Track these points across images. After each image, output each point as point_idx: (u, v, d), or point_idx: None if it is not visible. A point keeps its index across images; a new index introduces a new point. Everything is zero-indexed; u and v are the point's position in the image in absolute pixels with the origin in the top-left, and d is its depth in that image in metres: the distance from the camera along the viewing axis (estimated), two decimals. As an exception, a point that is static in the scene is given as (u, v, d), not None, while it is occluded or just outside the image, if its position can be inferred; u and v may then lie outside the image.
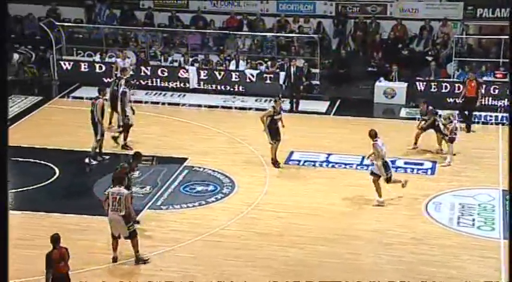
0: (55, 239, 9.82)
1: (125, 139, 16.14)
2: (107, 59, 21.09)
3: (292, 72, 18.76)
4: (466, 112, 17.50)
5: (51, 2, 23.09)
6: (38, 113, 18.57)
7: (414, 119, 18.36)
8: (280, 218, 13.12)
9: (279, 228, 12.74)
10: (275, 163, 15.16)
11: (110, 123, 16.97)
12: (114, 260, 11.44)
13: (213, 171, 14.99)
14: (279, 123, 15.19)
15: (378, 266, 11.69)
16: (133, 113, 16.18)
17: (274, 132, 15.05)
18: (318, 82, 20.39)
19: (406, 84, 19.64)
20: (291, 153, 15.97)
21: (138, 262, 11.39)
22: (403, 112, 19.10)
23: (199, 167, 15.21)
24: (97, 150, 15.39)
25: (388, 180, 13.55)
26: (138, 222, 12.33)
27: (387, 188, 13.81)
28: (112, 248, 11.42)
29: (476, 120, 18.06)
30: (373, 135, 13.54)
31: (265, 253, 11.89)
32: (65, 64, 20.88)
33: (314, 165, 15.42)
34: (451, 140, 15.31)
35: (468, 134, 17.21)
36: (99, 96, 15.41)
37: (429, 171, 15.27)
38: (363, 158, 15.76)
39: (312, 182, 14.71)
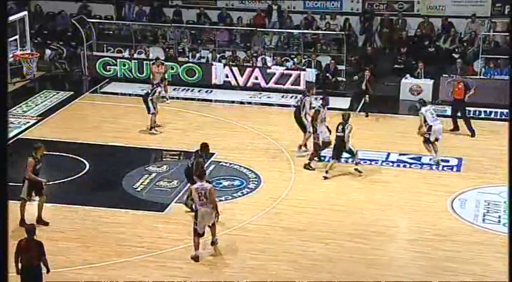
0: (28, 230, 9.95)
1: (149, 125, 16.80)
2: (135, 55, 21.41)
3: (367, 79, 18.67)
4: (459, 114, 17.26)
5: (82, -1, 23.53)
6: (69, 107, 18.93)
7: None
8: (305, 213, 13.28)
9: (304, 223, 12.89)
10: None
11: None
12: (196, 258, 11.43)
13: (239, 166, 15.19)
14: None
15: (402, 262, 11.80)
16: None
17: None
18: (343, 79, 20.49)
19: (432, 81, 19.64)
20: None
21: (214, 244, 11.64)
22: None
23: (226, 162, 15.43)
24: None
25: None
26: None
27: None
28: (194, 246, 11.43)
29: (502, 117, 18.03)
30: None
31: (290, 248, 12.05)
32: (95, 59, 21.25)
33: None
34: (426, 141, 15.02)
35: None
36: None
37: (455, 168, 15.30)
38: (388, 154, 15.87)
39: (337, 177, 14.82)
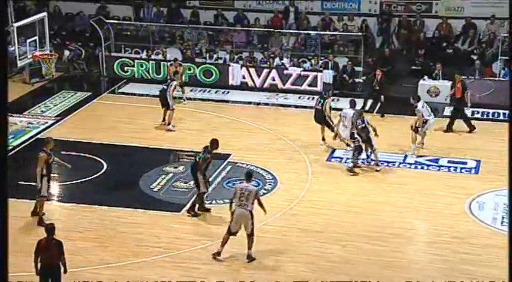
0: (48, 229, 9.98)
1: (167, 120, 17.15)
2: (153, 56, 21.50)
3: (377, 79, 18.64)
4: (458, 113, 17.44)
5: (101, 0, 23.64)
6: (87, 108, 19.05)
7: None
8: (322, 214, 13.25)
9: (320, 224, 12.87)
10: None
11: (164, 120, 17.37)
12: (218, 254, 11.48)
13: (256, 167, 15.20)
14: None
15: (420, 265, 11.74)
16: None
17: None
18: (361, 80, 20.43)
19: (450, 82, 19.49)
20: (333, 150, 16.08)
21: (249, 258, 11.47)
22: (447, 111, 18.98)
23: (242, 163, 15.44)
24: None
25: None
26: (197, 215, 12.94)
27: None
28: (222, 242, 11.43)
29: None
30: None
31: (307, 249, 12.04)
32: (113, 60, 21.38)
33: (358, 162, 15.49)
34: (416, 131, 15.77)
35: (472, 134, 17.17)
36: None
37: (473, 171, 15.20)
38: (406, 156, 15.80)
39: (354, 179, 14.79)
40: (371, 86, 18.79)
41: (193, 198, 13.22)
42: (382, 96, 18.39)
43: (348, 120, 15.00)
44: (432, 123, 15.90)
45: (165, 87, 17.35)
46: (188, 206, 13.25)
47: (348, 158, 15.37)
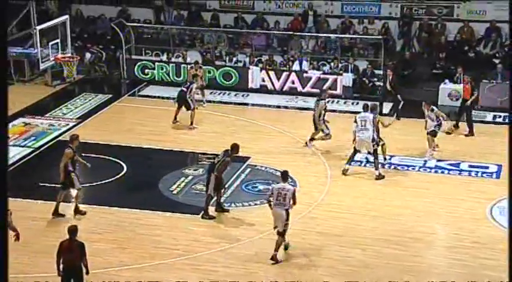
0: (70, 231, 10.05)
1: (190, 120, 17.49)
2: (173, 59, 21.60)
3: (389, 80, 18.61)
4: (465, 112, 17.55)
5: (122, 3, 23.80)
6: (108, 110, 19.17)
7: (480, 122, 18.12)
8: (342, 218, 13.20)
9: (340, 228, 12.82)
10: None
11: (175, 118, 17.61)
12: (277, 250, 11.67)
13: (275, 170, 15.18)
14: None
15: (440, 269, 11.64)
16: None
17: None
18: (381, 83, 20.31)
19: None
20: (354, 154, 15.98)
21: (273, 260, 11.53)
22: (468, 115, 18.84)
23: (262, 166, 15.43)
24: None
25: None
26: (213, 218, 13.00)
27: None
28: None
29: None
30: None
31: (327, 253, 12.00)
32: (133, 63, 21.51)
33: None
34: (432, 133, 15.65)
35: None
36: None
37: (494, 175, 15.05)
38: (426, 160, 15.68)
39: (374, 183, 14.71)
40: (383, 87, 18.74)
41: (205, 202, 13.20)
42: (399, 96, 18.33)
43: (369, 123, 14.92)
44: (444, 125, 16.01)
45: (184, 89, 17.48)
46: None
47: (367, 163, 15.28)
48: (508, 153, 4.96)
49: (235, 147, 13.17)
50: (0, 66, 4.38)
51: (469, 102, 17.43)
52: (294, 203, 11.55)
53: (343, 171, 14.92)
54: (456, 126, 17.54)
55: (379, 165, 14.90)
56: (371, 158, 15.10)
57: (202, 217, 13.04)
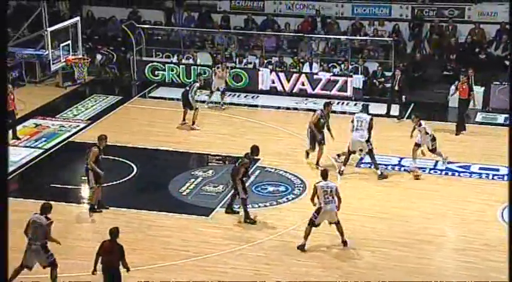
0: (111, 232, 10.15)
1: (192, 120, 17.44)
2: (183, 61, 21.65)
3: (398, 79, 18.61)
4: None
5: (133, 5, 23.90)
6: (118, 111, 19.26)
7: (490, 124, 18.07)
8: (351, 220, 13.17)
9: (349, 230, 12.78)
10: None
11: (184, 120, 17.67)
12: (302, 248, 11.95)
13: (285, 172, 15.20)
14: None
15: (449, 272, 11.62)
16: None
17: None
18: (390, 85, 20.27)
19: (482, 88, 19.29)
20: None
21: (344, 244, 12.04)
22: (479, 117, 18.79)
23: (271, 168, 15.45)
24: None
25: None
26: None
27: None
28: (305, 234, 11.93)
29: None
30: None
31: (335, 255, 12.00)
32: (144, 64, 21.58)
33: (386, 169, 15.41)
34: (433, 151, 15.12)
35: (457, 136, 17.25)
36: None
37: (505, 177, 14.98)
38: (436, 162, 15.65)
39: (384, 185, 14.70)
40: (391, 88, 18.73)
41: (242, 208, 13.15)
42: (404, 97, 18.33)
43: (365, 124, 14.87)
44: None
45: (188, 88, 17.54)
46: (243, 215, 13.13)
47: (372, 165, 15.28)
48: (508, 155, 4.98)
49: (255, 149, 13.19)
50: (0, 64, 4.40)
51: (471, 104, 17.43)
52: (340, 199, 11.89)
53: (339, 171, 14.95)
54: (459, 129, 17.41)
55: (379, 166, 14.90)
56: (364, 159, 15.19)
57: (245, 221, 12.95)
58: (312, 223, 11.93)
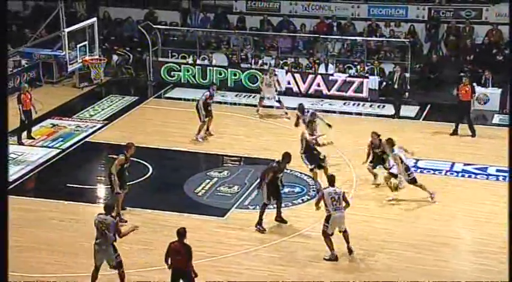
0: (179, 233, 10.14)
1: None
2: (198, 61, 21.70)
3: (396, 78, 18.61)
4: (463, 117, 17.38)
5: (149, 6, 23.99)
6: (134, 112, 19.34)
7: (507, 125, 17.90)
8: (366, 221, 13.15)
9: (365, 232, 12.76)
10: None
11: (207, 129, 17.17)
12: (336, 258, 11.70)
13: (300, 173, 15.17)
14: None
15: (466, 274, 11.54)
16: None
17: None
18: (407, 87, 20.18)
19: (500, 90, 19.15)
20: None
21: (350, 252, 11.84)
22: (496, 119, 18.66)
23: (287, 169, 15.39)
24: None
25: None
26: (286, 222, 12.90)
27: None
28: (329, 247, 11.65)
29: None
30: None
31: (350, 256, 11.95)
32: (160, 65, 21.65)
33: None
34: (412, 182, 13.62)
35: (474, 138, 17.04)
36: None
37: (522, 180, 14.85)
38: (453, 164, 15.55)
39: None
40: (391, 87, 18.70)
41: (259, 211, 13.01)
42: (406, 94, 18.28)
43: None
44: (411, 165, 14.11)
45: (199, 97, 17.08)
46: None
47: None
48: (508, 156, 4.92)
49: (286, 156, 12.90)
50: (0, 64, 4.41)
51: (472, 108, 17.31)
52: (348, 204, 11.74)
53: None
54: (456, 131, 17.24)
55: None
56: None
57: (256, 226, 12.84)
58: (326, 234, 11.66)
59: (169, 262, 10.10)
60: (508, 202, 5.68)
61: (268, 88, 18.84)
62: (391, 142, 13.67)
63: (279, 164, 12.85)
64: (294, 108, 19.52)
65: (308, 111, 15.39)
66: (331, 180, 11.89)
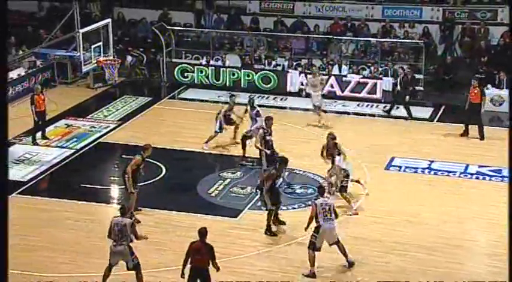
0: (200, 232, 10.16)
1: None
2: (212, 62, 21.73)
3: (399, 80, 18.58)
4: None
5: (163, 7, 24.07)
6: (148, 113, 19.41)
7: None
8: (380, 223, 13.11)
9: (378, 233, 12.73)
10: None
11: (234, 138, 16.85)
12: (313, 276, 11.26)
13: (313, 174, 15.16)
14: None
15: (481, 277, 11.46)
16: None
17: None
18: (421, 88, 20.12)
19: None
20: (392, 158, 15.88)
21: (350, 265, 11.50)
22: None
23: (300, 170, 15.42)
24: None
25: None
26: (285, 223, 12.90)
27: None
28: (310, 261, 11.27)
29: None
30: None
31: (364, 258, 11.91)
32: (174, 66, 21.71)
33: (416, 172, 15.28)
34: (342, 190, 13.43)
35: (483, 141, 16.94)
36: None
37: (537, 183, 14.75)
38: (467, 166, 15.46)
39: (413, 188, 14.57)
40: (395, 88, 18.66)
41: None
42: (407, 97, 18.28)
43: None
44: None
45: (222, 109, 16.69)
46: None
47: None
48: (508, 157, 4.91)
49: (283, 162, 12.96)
50: (1, 64, 4.42)
51: (482, 110, 17.21)
52: (336, 216, 11.44)
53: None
54: (466, 133, 17.17)
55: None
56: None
57: (265, 233, 12.78)
58: (313, 246, 11.24)
59: (188, 261, 10.09)
60: (508, 202, 5.64)
61: (313, 88, 18.35)
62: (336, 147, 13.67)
63: (277, 170, 12.86)
64: (307, 110, 19.60)
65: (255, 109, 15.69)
66: (321, 191, 11.64)
